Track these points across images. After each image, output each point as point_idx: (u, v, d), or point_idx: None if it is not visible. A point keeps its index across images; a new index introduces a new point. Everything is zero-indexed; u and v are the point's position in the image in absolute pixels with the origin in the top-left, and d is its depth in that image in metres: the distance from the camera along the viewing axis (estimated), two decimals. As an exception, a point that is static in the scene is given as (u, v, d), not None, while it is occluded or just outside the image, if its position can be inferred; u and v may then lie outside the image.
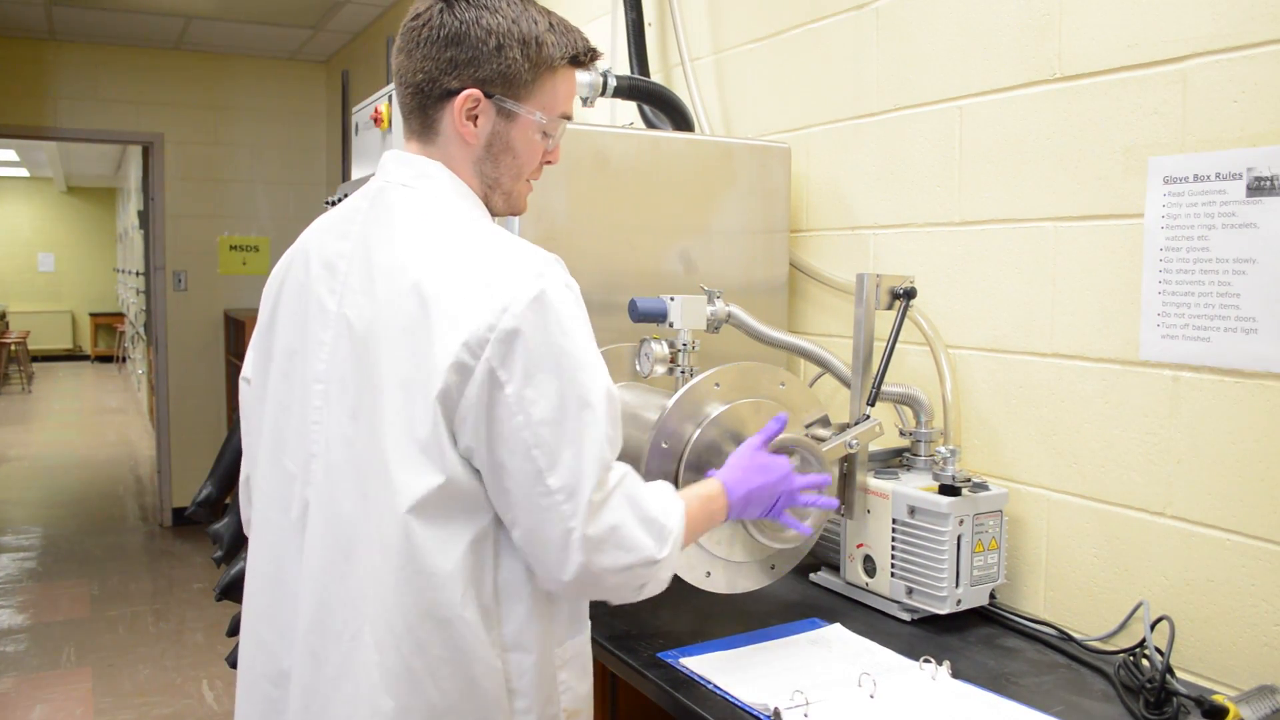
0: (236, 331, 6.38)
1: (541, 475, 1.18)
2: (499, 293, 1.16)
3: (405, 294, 1.20)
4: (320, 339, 1.31)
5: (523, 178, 1.38)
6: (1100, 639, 1.75)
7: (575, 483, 1.18)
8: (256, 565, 1.39)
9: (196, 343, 6.79)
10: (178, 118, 6.69)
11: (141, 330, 9.94)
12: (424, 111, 1.32)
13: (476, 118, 1.30)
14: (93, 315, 17.20)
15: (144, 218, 7.58)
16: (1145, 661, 1.57)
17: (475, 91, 1.29)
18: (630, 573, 1.24)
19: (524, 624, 1.26)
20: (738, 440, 1.65)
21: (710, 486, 1.47)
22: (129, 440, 9.99)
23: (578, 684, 1.35)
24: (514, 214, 1.41)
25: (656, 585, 1.29)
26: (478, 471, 1.21)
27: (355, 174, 2.71)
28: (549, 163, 1.40)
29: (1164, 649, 1.54)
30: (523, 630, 1.26)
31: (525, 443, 1.17)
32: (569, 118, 1.37)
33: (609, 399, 1.21)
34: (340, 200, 1.96)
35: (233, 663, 2.80)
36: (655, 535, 1.26)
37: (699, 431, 1.67)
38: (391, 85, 2.27)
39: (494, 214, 1.37)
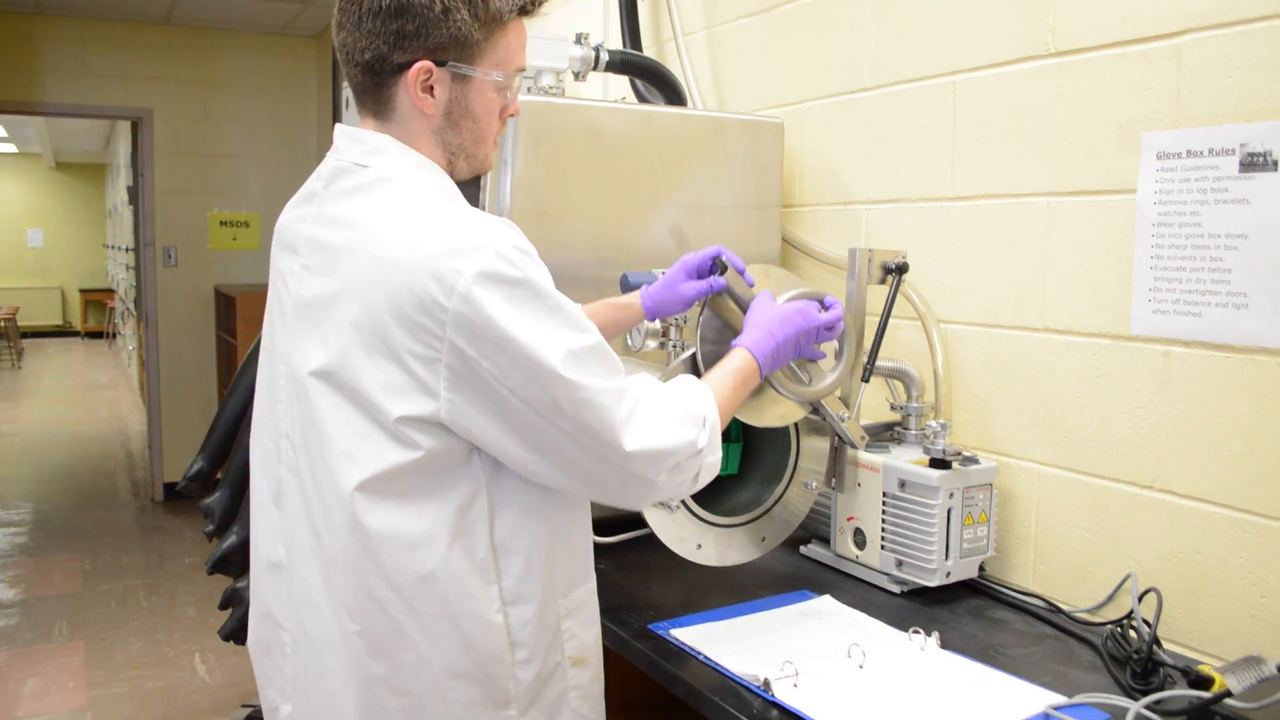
0: (227, 307, 6.35)
1: (556, 426, 1.18)
2: (448, 270, 1.14)
3: (358, 273, 1.20)
4: (284, 316, 1.33)
5: (486, 140, 1.34)
6: (1088, 611, 1.77)
7: (596, 419, 1.19)
8: (252, 539, 1.41)
9: (187, 318, 6.76)
10: (167, 93, 6.64)
11: (132, 306, 9.89)
12: (377, 90, 1.28)
13: (432, 88, 1.27)
14: (83, 291, 17.11)
15: (133, 193, 7.53)
16: (1132, 633, 1.58)
17: (427, 63, 1.24)
18: (680, 470, 1.28)
19: (522, 578, 1.27)
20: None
21: (737, 358, 1.49)
22: (120, 416, 9.96)
23: (584, 632, 1.36)
24: (480, 174, 1.39)
25: (709, 472, 1.33)
26: (460, 440, 1.21)
27: None
28: (511, 115, 1.37)
29: (1151, 620, 1.57)
30: (521, 584, 1.27)
31: (521, 409, 1.17)
32: (524, 69, 1.34)
33: (572, 357, 1.18)
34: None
35: (225, 636, 2.81)
36: (693, 425, 1.29)
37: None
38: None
39: (459, 178, 1.35)
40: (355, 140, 1.30)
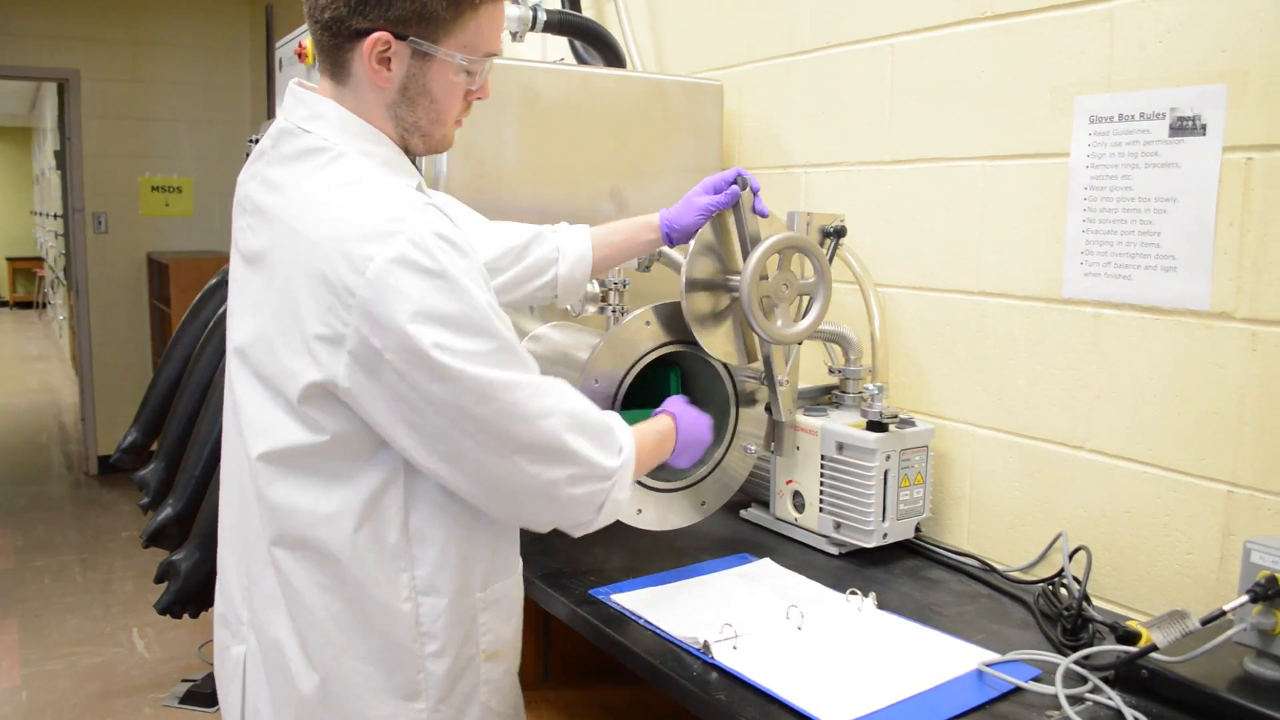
0: (160, 275, 6.21)
1: (457, 426, 1.15)
2: (360, 255, 1.10)
3: (278, 245, 1.18)
4: (234, 276, 1.32)
5: (445, 122, 1.28)
6: (1021, 569, 1.80)
7: (499, 414, 1.16)
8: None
9: (119, 287, 6.60)
10: (94, 54, 6.43)
11: (61, 275, 9.65)
12: (334, 52, 1.23)
13: (389, 61, 1.20)
14: (9, 260, 16.63)
15: (61, 158, 7.31)
16: (1063, 590, 1.61)
17: (385, 34, 1.18)
18: (583, 485, 1.24)
19: (436, 569, 1.26)
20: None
21: (663, 423, 1.50)
22: (51, 388, 9.73)
23: (500, 626, 1.35)
24: (437, 153, 1.34)
25: (612, 509, 1.30)
26: (368, 428, 1.19)
27: (279, 113, 2.63)
28: (478, 99, 1.31)
29: (1081, 578, 1.59)
30: (435, 575, 1.26)
31: (420, 405, 1.14)
32: (495, 54, 1.28)
33: (480, 357, 1.15)
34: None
35: (161, 609, 2.78)
36: (607, 447, 1.27)
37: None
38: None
39: (414, 154, 1.31)
40: (301, 101, 1.26)
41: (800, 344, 1.81)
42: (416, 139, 1.28)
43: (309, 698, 1.24)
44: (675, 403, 1.59)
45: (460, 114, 1.31)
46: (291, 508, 1.21)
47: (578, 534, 1.32)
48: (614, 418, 1.34)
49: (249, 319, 1.23)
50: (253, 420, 1.23)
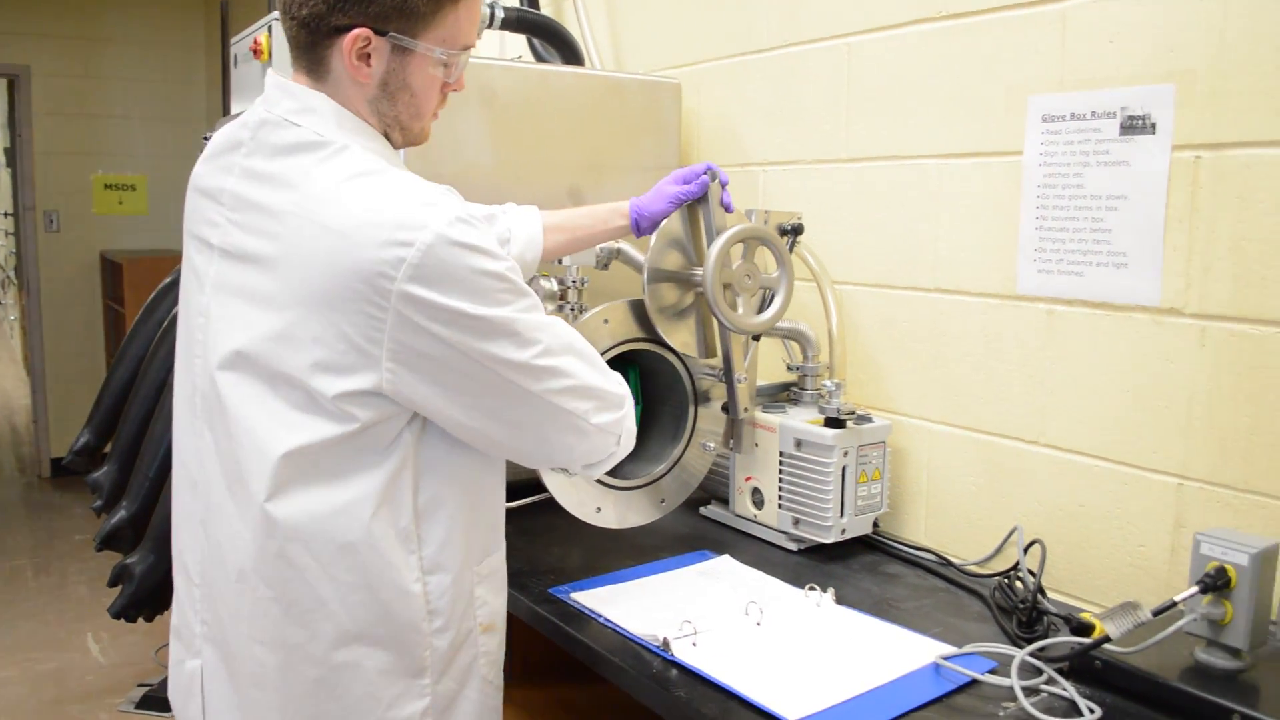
0: (114, 274, 6.12)
1: (494, 372, 1.20)
2: (397, 240, 1.11)
3: (299, 241, 1.16)
4: (203, 273, 1.28)
5: (423, 115, 1.30)
6: (977, 563, 1.81)
7: (537, 358, 1.22)
8: (174, 500, 1.38)
9: (71, 286, 6.49)
10: (46, 49, 6.32)
11: (12, 274, 9.47)
12: (312, 49, 1.22)
13: (369, 56, 1.21)
14: (-41, 259, 16.32)
15: (10, 155, 7.18)
16: (1019, 583, 1.63)
17: (366, 30, 1.19)
18: (608, 412, 1.30)
19: (442, 546, 1.26)
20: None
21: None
22: (2, 390, 9.55)
23: (493, 599, 1.36)
24: (414, 145, 1.35)
25: (629, 439, 1.37)
26: (399, 409, 1.19)
27: (235, 108, 2.59)
28: (454, 91, 1.33)
29: (1036, 571, 1.61)
30: (441, 552, 1.27)
31: (469, 369, 1.18)
32: (471, 47, 1.29)
33: (523, 311, 1.21)
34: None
35: (115, 613, 2.74)
36: (614, 376, 1.34)
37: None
38: (273, 14, 2.18)
39: (395, 147, 1.31)
40: (288, 94, 1.24)
41: (759, 339, 1.81)
42: (396, 133, 1.29)
43: (302, 695, 1.23)
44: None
45: (437, 106, 1.32)
46: (314, 500, 1.19)
47: (599, 471, 1.39)
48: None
49: (253, 320, 1.20)
50: (262, 425, 1.19)
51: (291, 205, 1.17)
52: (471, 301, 1.14)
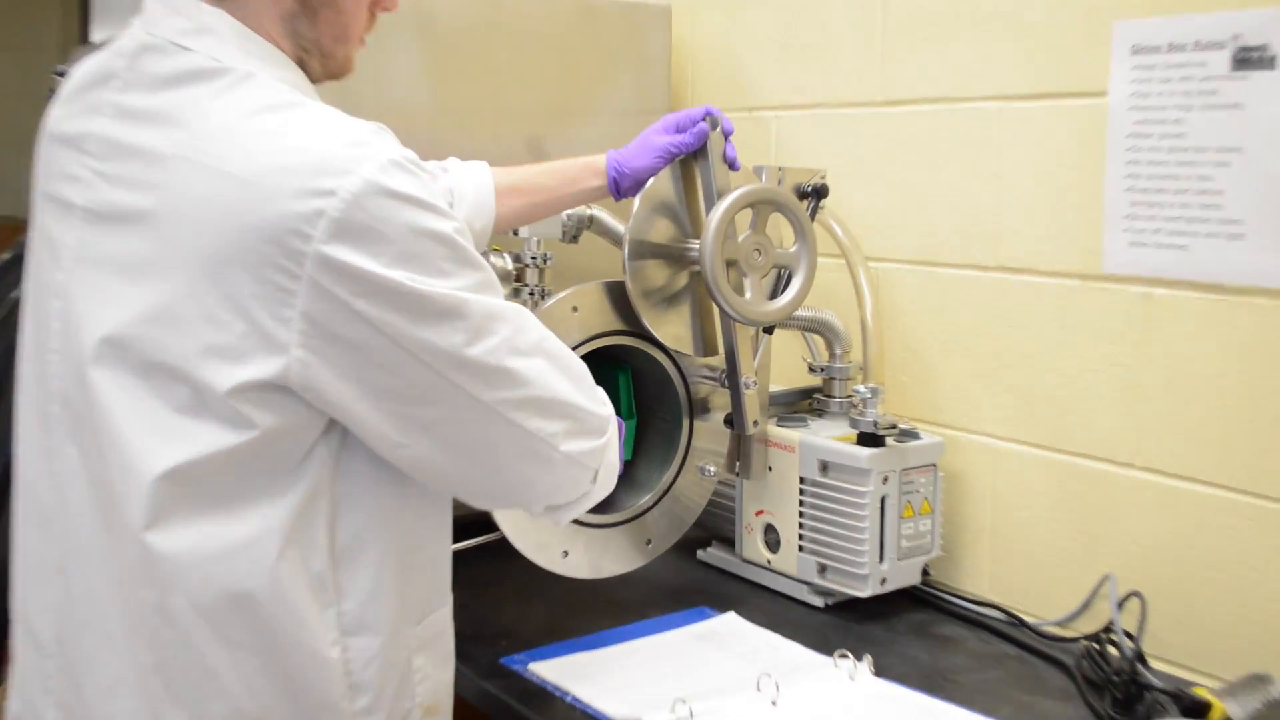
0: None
1: (437, 372, 1.17)
2: (315, 188, 1.09)
3: (186, 191, 1.14)
4: (60, 243, 1.25)
5: (349, 38, 1.32)
6: (1057, 623, 1.80)
7: (486, 349, 1.19)
8: (15, 546, 1.35)
9: (-100, 271, 6.45)
10: None
11: None
12: None
13: None
14: None
15: None
16: (1112, 649, 1.61)
17: None
18: (581, 439, 1.28)
19: (369, 599, 1.24)
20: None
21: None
22: None
23: (437, 671, 1.35)
24: (336, 78, 1.35)
25: (608, 474, 1.34)
26: (311, 415, 1.17)
27: (96, 36, 2.61)
28: (384, 10, 1.35)
29: (1135, 633, 1.60)
30: (367, 607, 1.24)
31: (397, 358, 1.15)
32: None
33: (472, 287, 1.19)
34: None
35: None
36: (597, 396, 1.33)
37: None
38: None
39: (313, 80, 1.31)
40: (176, 11, 1.22)
41: (772, 332, 1.81)
42: (316, 60, 1.30)
43: None
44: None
45: (365, 29, 1.35)
46: (200, 537, 1.16)
47: (567, 516, 1.36)
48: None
49: (126, 297, 1.17)
50: (134, 435, 1.16)
51: (178, 147, 1.15)
52: (408, 269, 1.12)
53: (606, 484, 1.36)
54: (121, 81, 1.23)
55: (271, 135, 1.14)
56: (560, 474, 1.29)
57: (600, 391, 1.35)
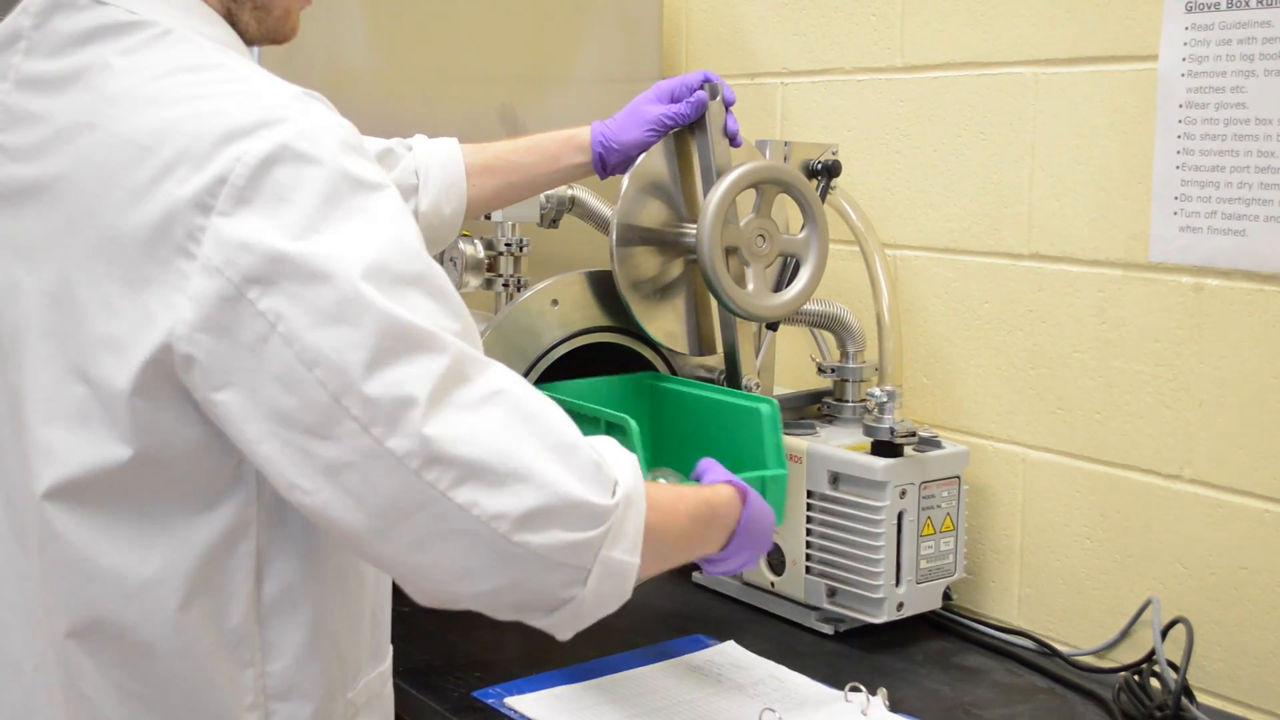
0: None
1: (324, 388, 1.02)
2: (222, 156, 1.04)
3: (87, 157, 1.10)
4: None
5: None
6: (1094, 653, 1.80)
7: (395, 377, 1.02)
8: None
9: None
10: None
11: None
12: None
13: None
14: None
15: None
16: (1154, 681, 1.62)
17: None
18: (556, 528, 1.06)
19: (301, 661, 1.20)
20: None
21: (721, 495, 1.37)
22: None
23: None
24: (275, 42, 1.32)
25: (614, 580, 1.12)
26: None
27: None
28: None
29: (1180, 663, 1.59)
30: (297, 671, 1.20)
31: (289, 363, 1.03)
32: None
33: (383, 274, 1.04)
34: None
35: None
36: (590, 472, 1.10)
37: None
38: None
39: (248, 40, 1.27)
40: None
41: (777, 328, 1.82)
42: (248, 15, 1.26)
43: None
44: (719, 468, 1.46)
45: None
46: (92, 571, 1.11)
47: (565, 631, 1.14)
48: (604, 440, 1.20)
49: (20, 281, 1.14)
50: (46, 439, 1.12)
51: (80, 113, 1.12)
52: (318, 250, 1.02)
53: (613, 589, 1.13)
54: (27, 43, 1.20)
55: (183, 99, 1.09)
56: (522, 570, 1.07)
57: (603, 451, 1.16)
